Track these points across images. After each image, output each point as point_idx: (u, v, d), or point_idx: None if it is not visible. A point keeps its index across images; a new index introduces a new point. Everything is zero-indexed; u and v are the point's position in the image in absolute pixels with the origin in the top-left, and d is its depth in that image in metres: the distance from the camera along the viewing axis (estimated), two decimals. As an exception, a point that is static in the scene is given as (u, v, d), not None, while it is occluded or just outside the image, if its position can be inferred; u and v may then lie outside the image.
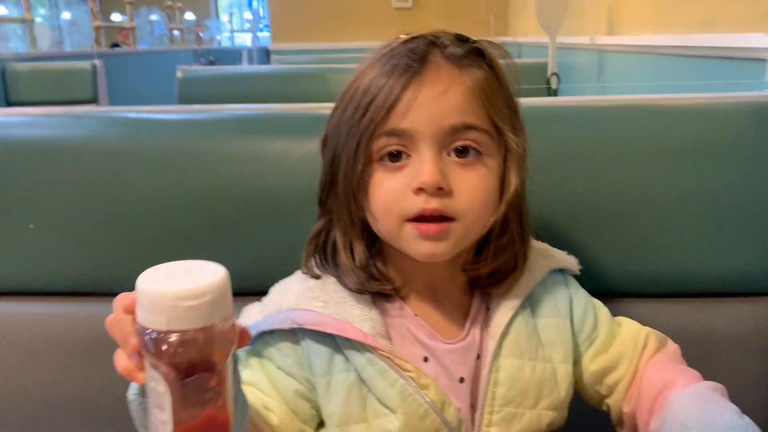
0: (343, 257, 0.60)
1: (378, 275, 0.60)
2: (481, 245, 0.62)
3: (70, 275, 0.79)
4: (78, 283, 0.79)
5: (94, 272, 0.79)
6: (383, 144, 0.56)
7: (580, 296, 0.66)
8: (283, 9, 4.04)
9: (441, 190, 0.55)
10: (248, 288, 0.66)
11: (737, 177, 0.74)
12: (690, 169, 0.74)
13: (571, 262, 0.67)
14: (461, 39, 0.59)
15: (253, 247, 0.77)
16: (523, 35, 3.89)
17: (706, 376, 0.61)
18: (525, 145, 0.61)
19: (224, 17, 9.82)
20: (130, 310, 0.42)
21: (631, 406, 0.63)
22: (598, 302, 0.67)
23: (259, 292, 0.66)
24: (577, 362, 0.64)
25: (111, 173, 0.77)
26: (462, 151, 0.57)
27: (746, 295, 0.78)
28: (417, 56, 0.57)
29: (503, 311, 0.61)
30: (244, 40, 7.65)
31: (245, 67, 4.16)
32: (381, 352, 0.57)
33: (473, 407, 0.60)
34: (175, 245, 0.76)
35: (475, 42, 0.60)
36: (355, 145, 0.57)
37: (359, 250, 0.60)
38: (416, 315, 0.61)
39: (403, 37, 0.59)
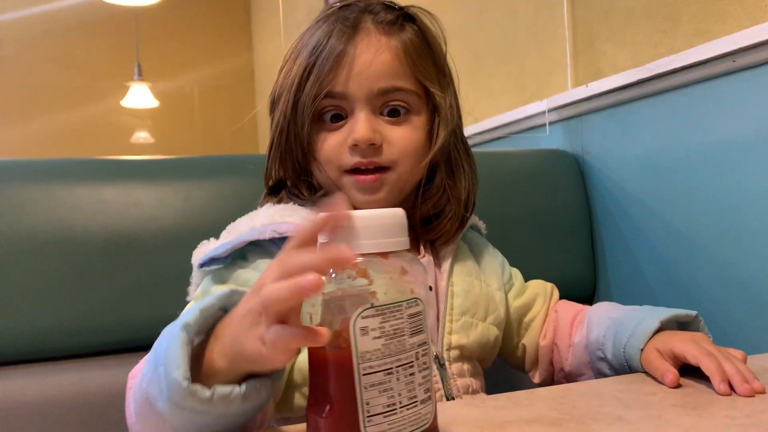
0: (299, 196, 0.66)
1: None
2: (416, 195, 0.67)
3: None
4: None
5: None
6: (324, 105, 0.62)
7: (497, 250, 0.78)
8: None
9: (373, 146, 0.61)
10: (103, 328, 0.77)
11: (541, 201, 1.09)
12: (512, 196, 1.07)
13: (483, 226, 0.79)
14: (392, 5, 0.65)
15: (105, 291, 0.80)
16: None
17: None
18: (453, 100, 0.66)
19: None
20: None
21: (547, 339, 0.73)
22: None
23: (115, 336, 0.78)
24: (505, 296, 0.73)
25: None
26: (392, 112, 0.63)
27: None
28: (350, 23, 0.62)
29: (448, 244, 0.70)
30: None
31: None
32: None
33: (437, 320, 0.66)
34: (31, 292, 0.78)
35: (404, 8, 0.65)
36: (302, 108, 0.62)
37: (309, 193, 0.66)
38: None
39: (338, 4, 0.65)
